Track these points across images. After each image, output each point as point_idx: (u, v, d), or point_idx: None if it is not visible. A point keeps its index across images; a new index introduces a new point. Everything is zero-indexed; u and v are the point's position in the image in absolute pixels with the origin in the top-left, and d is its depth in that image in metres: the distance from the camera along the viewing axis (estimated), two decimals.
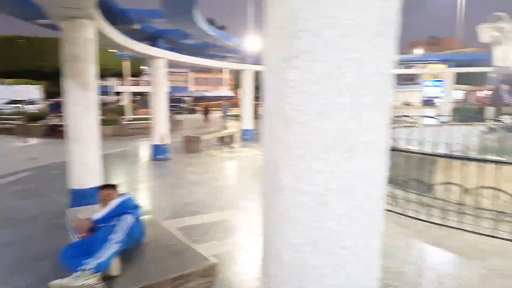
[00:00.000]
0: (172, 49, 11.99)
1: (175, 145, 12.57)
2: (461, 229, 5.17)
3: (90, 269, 2.52)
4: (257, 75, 15.61)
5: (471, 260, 4.30)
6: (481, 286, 3.69)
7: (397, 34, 1.23)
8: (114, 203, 3.23)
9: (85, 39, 5.47)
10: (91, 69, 5.58)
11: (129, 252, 3.03)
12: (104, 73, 28.16)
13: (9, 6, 6.83)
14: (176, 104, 40.92)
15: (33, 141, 15.51)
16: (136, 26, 8.72)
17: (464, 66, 22.46)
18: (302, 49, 1.15)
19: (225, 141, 14.37)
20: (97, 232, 2.92)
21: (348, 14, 1.11)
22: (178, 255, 3.10)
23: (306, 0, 1.13)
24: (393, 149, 6.32)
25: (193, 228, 5.20)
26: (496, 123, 9.15)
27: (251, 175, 8.82)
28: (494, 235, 4.90)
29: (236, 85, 52.17)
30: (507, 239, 4.79)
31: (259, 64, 14.34)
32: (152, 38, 10.49)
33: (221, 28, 42.67)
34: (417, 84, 64.63)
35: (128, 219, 3.00)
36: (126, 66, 26.04)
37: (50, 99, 26.14)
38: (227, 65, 16.45)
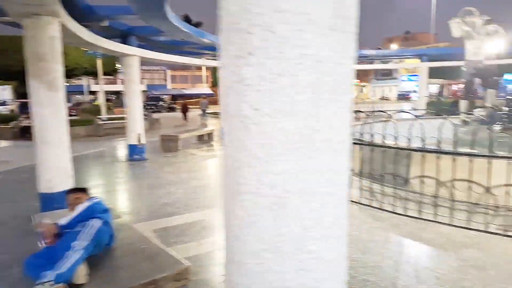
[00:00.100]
0: (145, 47, 11.76)
1: (153, 144, 12.37)
2: (436, 221, 5.24)
3: (49, 281, 2.39)
4: None
5: (447, 252, 4.36)
6: (457, 278, 3.73)
7: (356, 29, 1.18)
8: (81, 207, 3.10)
9: (50, 37, 5.25)
10: (57, 68, 5.37)
11: (98, 258, 2.92)
12: (77, 72, 27.53)
13: None
14: (153, 102, 40.42)
15: (4, 143, 14.99)
16: (105, 23, 8.47)
17: (438, 61, 22.96)
18: (256, 45, 1.09)
19: (204, 140, 14.23)
20: (61, 239, 2.79)
21: (301, 8, 1.05)
22: (150, 259, 3.00)
23: None
24: (369, 144, 6.36)
25: (170, 229, 5.09)
26: (469, 116, 9.35)
27: None
28: (468, 227, 4.99)
29: (214, 83, 51.88)
30: (481, 230, 4.88)
31: None
32: (124, 36, 10.25)
33: (197, 24, 42.26)
34: (394, 78, 65.87)
35: (95, 224, 2.88)
36: (100, 64, 25.44)
37: (21, 100, 25.40)
38: (203, 62, 16.31)
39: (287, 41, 1.07)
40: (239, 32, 1.12)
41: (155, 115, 26.05)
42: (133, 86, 10.42)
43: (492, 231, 4.86)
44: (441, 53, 25.09)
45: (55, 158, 5.38)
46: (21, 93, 27.67)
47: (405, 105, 23.74)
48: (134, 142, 10.49)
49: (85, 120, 17.78)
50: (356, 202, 6.32)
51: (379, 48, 54.59)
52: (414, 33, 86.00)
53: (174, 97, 48.15)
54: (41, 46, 5.20)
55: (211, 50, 14.76)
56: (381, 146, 6.24)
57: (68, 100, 47.99)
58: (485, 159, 5.09)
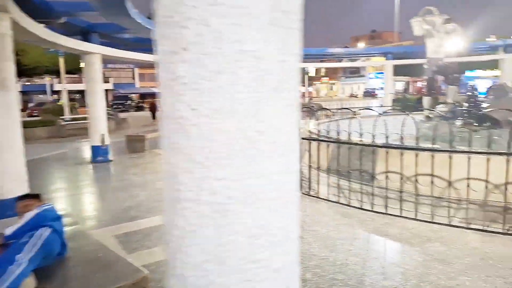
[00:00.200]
0: (109, 44, 11.39)
1: (119, 145, 12.02)
2: (402, 216, 5.33)
3: None
4: None
5: (413, 247, 4.42)
6: (422, 273, 3.79)
7: (300, 25, 1.11)
8: (29, 215, 2.90)
9: None
10: (8, 67, 5.06)
11: (48, 269, 2.73)
12: (38, 71, 26.39)
13: None
14: (121, 101, 39.42)
15: None
16: (63, 20, 8.10)
17: (403, 58, 23.63)
18: (190, 40, 1.00)
19: None
20: (5, 252, 2.58)
21: (238, 1, 0.97)
22: (106, 268, 2.84)
23: None
24: (336, 141, 6.40)
25: (132, 234, 4.91)
26: (432, 112, 9.61)
27: None
28: (432, 221, 5.09)
29: None
30: (444, 224, 4.99)
31: None
32: (85, 33, 9.87)
33: None
34: (362, 76, 67.37)
35: (43, 234, 2.69)
36: (62, 63, 24.52)
37: None
38: None
39: (224, 36, 0.99)
40: (173, 26, 1.03)
41: (122, 115, 25.39)
42: (95, 85, 10.03)
43: (455, 224, 4.99)
44: (405, 51, 25.85)
45: (7, 162, 5.07)
46: None
47: (374, 102, 24.27)
48: (97, 143, 10.12)
49: (47, 120, 17.08)
50: (324, 199, 6.34)
51: (347, 47, 55.64)
52: (379, 32, 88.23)
53: (143, 96, 47.14)
54: None
55: None
56: (347, 143, 6.29)
57: (30, 100, 46.19)
58: (446, 153, 5.21)
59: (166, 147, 1.13)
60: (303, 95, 54.61)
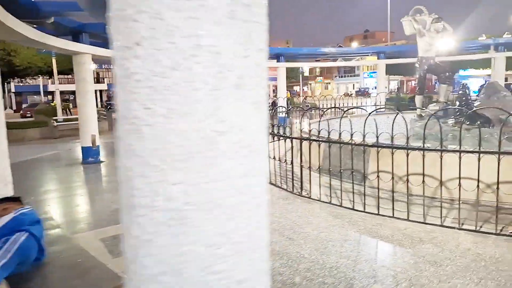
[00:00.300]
0: (101, 44, 11.27)
1: (111, 146, 11.89)
2: (394, 217, 5.27)
3: None
4: None
5: (404, 249, 4.36)
6: (413, 275, 3.73)
7: (264, 19, 1.03)
8: (5, 219, 2.80)
9: None
10: None
11: (23, 276, 2.64)
12: (30, 72, 26.15)
13: None
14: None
15: None
16: (51, 20, 7.98)
17: (395, 58, 23.70)
18: (142, 34, 0.93)
19: None
20: None
21: None
22: (84, 274, 2.75)
23: None
24: (328, 141, 6.33)
25: (119, 238, 4.80)
26: (424, 111, 9.59)
27: None
28: (425, 222, 5.04)
29: None
30: (437, 225, 4.93)
31: None
32: (75, 33, 9.75)
33: None
34: (357, 75, 67.59)
35: (18, 239, 2.60)
36: (55, 63, 24.33)
37: None
38: None
39: (179, 30, 0.92)
40: (126, 19, 0.95)
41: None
42: (86, 85, 9.92)
43: (447, 225, 4.93)
44: (398, 51, 25.90)
45: None
46: None
47: (367, 101, 24.29)
48: (88, 144, 10.00)
49: (39, 121, 16.92)
50: (316, 200, 6.28)
51: (341, 46, 55.79)
52: (372, 31, 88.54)
53: None
54: None
55: None
56: (339, 143, 6.22)
57: (24, 101, 45.82)
58: (437, 153, 5.15)
59: (121, 149, 1.05)
60: (298, 94, 54.66)
